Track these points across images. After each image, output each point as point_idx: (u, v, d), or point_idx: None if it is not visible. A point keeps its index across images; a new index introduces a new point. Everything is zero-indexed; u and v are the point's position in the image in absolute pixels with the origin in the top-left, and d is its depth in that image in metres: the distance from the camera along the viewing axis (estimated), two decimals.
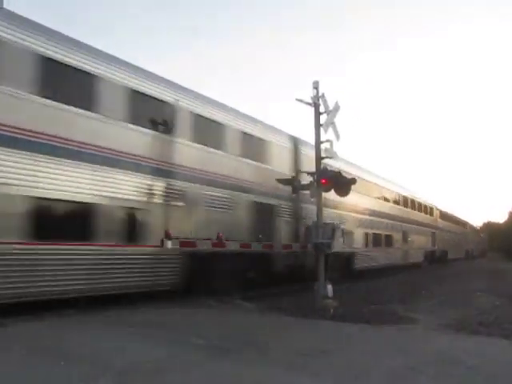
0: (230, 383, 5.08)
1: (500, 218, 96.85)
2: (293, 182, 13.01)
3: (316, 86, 12.56)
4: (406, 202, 31.89)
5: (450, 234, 46.94)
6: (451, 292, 15.38)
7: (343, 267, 19.93)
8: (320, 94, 12.55)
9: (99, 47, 11.37)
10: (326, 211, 14.61)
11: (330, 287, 12.08)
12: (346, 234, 18.90)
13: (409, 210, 32.25)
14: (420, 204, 35.53)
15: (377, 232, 25.49)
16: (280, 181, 13.75)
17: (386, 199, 28.18)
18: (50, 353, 6.32)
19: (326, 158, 12.78)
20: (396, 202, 29.98)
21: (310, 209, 14.97)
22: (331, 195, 13.40)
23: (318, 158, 12.79)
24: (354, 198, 19.50)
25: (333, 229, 12.56)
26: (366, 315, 10.11)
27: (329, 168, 13.16)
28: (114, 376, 5.23)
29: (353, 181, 12.73)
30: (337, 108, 12.74)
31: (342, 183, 12.56)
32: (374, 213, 25.19)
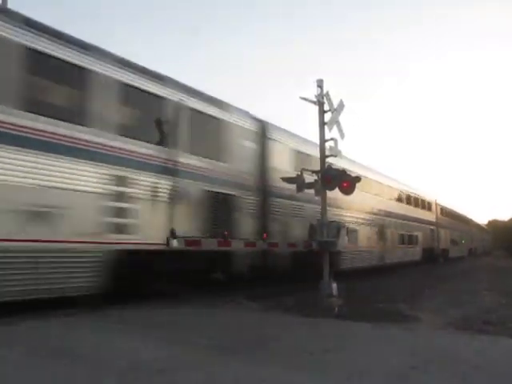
0: (232, 383, 5.08)
1: (505, 216, 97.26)
2: (297, 181, 12.97)
3: (320, 84, 12.54)
4: (460, 218, 52.89)
5: (477, 236, 69.90)
6: (456, 290, 15.38)
7: (440, 256, 38.79)
8: (324, 93, 12.56)
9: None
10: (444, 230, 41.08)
11: (334, 286, 12.06)
12: (443, 239, 40.94)
13: (462, 223, 53.12)
14: (465, 218, 57.26)
15: (452, 237, 45.46)
16: (284, 179, 13.73)
17: (454, 218, 48.46)
18: (53, 352, 6.34)
19: (331, 156, 12.79)
20: (458, 219, 50.73)
21: None
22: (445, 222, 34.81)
23: (323, 157, 12.79)
24: (447, 219, 43.46)
25: (337, 227, 12.55)
26: (370, 314, 10.09)
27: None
28: (116, 376, 5.23)
29: (357, 179, 12.70)
30: (341, 106, 12.73)
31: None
32: (451, 226, 45.20)
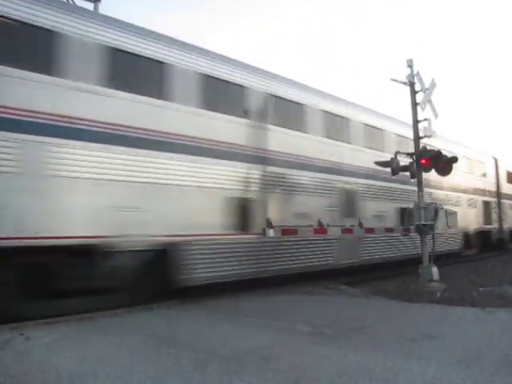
0: (337, 370, 5.09)
1: None
2: (391, 164, 12.74)
3: (410, 64, 12.27)
4: None
5: None
6: None
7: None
8: (415, 73, 12.26)
9: None
10: None
11: (435, 270, 11.82)
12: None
13: None
14: None
15: None
16: (378, 163, 13.53)
17: None
18: (161, 341, 6.69)
19: (425, 137, 12.47)
20: None
21: None
22: None
23: (417, 138, 12.49)
24: None
25: (435, 210, 12.24)
26: (475, 298, 9.77)
27: None
28: (222, 363, 5.43)
29: (454, 159, 12.29)
30: (433, 85, 12.37)
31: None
32: None
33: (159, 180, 9.97)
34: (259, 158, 12.18)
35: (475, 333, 6.81)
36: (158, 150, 10.03)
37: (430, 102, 12.40)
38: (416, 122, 12.47)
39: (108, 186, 9.20)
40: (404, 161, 12.77)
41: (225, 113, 11.53)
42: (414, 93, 12.43)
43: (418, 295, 10.42)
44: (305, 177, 13.36)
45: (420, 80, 12.32)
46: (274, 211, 12.17)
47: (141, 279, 9.51)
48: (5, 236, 7.94)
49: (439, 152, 12.45)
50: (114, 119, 9.48)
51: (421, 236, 12.30)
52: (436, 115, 12.51)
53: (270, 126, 12.56)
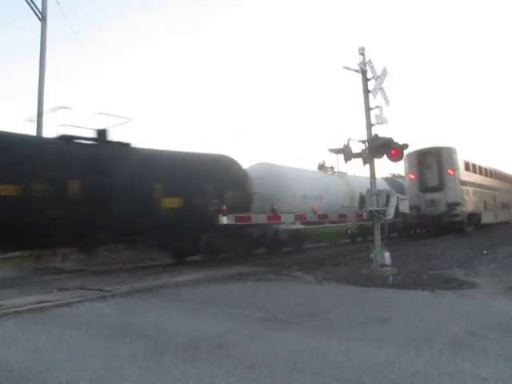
0: (292, 355, 5.13)
1: None
2: (344, 151, 12.87)
3: (362, 52, 12.37)
4: None
5: None
6: None
7: None
8: (367, 60, 12.37)
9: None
10: None
11: (387, 255, 12.02)
12: None
13: None
14: None
15: None
16: (332, 150, 13.64)
17: None
18: (115, 330, 6.60)
19: (377, 124, 12.63)
20: None
21: None
22: None
23: (368, 125, 12.63)
24: None
25: (387, 196, 12.44)
26: (426, 281, 10.01)
27: None
28: (177, 352, 5.39)
29: (404, 146, 12.50)
30: (385, 73, 12.52)
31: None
32: None
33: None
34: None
35: (425, 315, 6.96)
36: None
37: (381, 89, 12.55)
38: (368, 109, 12.60)
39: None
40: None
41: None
42: (365, 80, 12.53)
43: (370, 280, 10.58)
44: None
45: (372, 68, 12.44)
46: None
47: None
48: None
49: (391, 139, 12.65)
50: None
51: (373, 222, 12.50)
52: (387, 103, 12.66)
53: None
